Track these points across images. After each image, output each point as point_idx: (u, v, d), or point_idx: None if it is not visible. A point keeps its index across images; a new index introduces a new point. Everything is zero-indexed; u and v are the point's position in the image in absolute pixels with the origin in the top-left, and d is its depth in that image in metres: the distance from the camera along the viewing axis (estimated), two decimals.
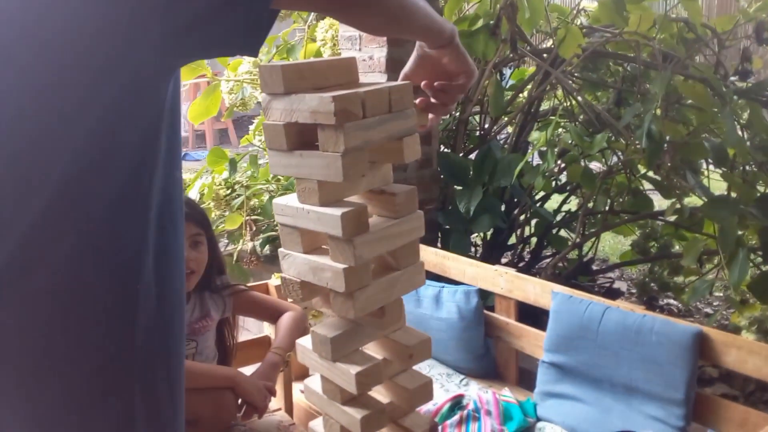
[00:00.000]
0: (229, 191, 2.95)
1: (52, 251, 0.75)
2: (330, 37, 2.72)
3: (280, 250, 1.14)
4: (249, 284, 2.22)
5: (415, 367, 1.23)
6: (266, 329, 2.15)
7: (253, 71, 2.96)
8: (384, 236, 1.07)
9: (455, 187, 2.83)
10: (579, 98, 2.78)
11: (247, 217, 2.88)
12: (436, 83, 1.10)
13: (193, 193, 2.97)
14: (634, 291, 3.36)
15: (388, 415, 1.18)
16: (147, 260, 0.81)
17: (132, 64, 0.75)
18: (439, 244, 2.80)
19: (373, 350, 1.20)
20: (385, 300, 1.10)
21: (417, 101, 1.12)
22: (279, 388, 1.98)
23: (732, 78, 2.54)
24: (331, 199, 1.05)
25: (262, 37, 0.80)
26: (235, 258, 2.84)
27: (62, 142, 0.74)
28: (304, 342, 1.18)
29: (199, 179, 2.98)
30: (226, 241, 3.17)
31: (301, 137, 1.06)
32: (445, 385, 2.19)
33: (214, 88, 2.73)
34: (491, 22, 2.44)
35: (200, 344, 1.76)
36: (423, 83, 1.11)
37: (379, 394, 1.21)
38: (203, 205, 2.93)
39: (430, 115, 1.14)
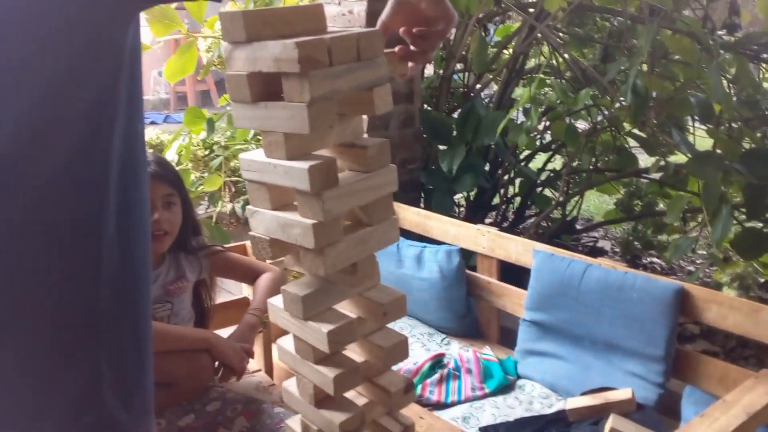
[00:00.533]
0: (207, 152, 2.89)
1: (7, 206, 0.71)
2: None
3: (248, 207, 1.10)
4: (227, 245, 2.18)
5: (396, 327, 1.21)
6: (245, 290, 2.12)
7: None
8: (354, 190, 1.03)
9: (438, 146, 2.79)
10: (565, 54, 2.72)
11: (227, 179, 2.83)
12: (414, 29, 1.05)
13: (170, 155, 2.91)
14: (617, 250, 3.35)
15: (362, 374, 1.15)
16: (109, 216, 0.77)
17: (89, 9, 0.70)
18: (422, 204, 2.77)
19: (347, 308, 1.17)
20: (357, 256, 1.07)
21: (396, 49, 1.07)
22: (258, 349, 1.96)
23: (719, 32, 2.49)
24: (299, 153, 1.01)
25: None
26: (214, 220, 2.80)
27: (17, 92, 0.70)
28: (276, 301, 1.15)
29: (176, 140, 2.91)
30: (207, 202, 3.12)
31: (266, 88, 1.01)
32: (426, 344, 2.18)
33: (189, 46, 2.64)
34: None
35: (176, 306, 1.73)
36: (401, 30, 1.06)
37: (354, 352, 1.18)
38: (180, 167, 2.87)
39: (410, 64, 1.10)
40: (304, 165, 0.97)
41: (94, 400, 0.78)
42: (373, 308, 1.13)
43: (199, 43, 2.84)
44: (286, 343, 1.19)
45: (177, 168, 2.88)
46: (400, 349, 1.16)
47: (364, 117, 1.13)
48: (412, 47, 1.07)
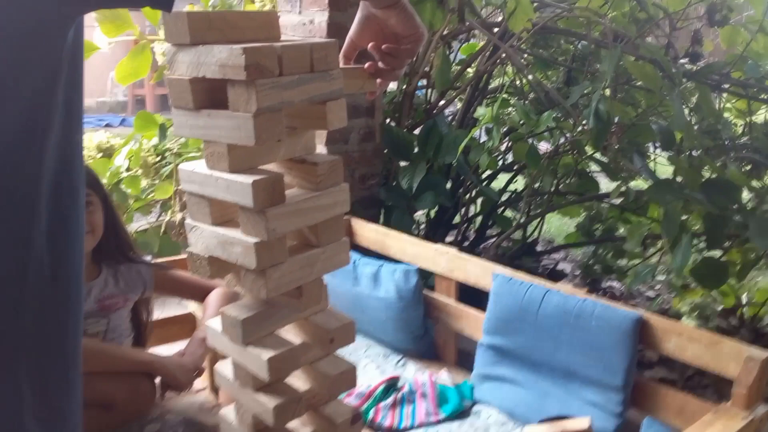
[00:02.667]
0: (158, 159, 2.78)
1: None
2: None
3: (187, 221, 1.03)
4: (171, 258, 2.08)
5: (351, 347, 1.14)
6: (190, 306, 2.02)
7: None
8: (302, 209, 0.97)
9: (399, 162, 2.74)
10: (529, 76, 2.70)
11: (177, 187, 2.72)
12: (383, 46, 1.00)
13: (119, 160, 2.79)
14: (578, 273, 3.34)
15: (306, 403, 1.08)
16: (39, 231, 0.70)
17: (26, 9, 0.63)
18: (381, 221, 2.71)
19: (291, 333, 1.10)
20: (303, 279, 1.00)
21: (366, 65, 1.02)
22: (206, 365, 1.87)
23: (682, 60, 2.50)
24: (243, 166, 0.94)
25: None
26: (163, 229, 2.69)
27: None
28: (214, 324, 1.07)
29: (127, 145, 2.80)
30: (158, 210, 3.00)
31: (210, 95, 0.94)
32: (382, 365, 2.11)
33: (142, 48, 2.54)
34: None
35: (113, 322, 1.63)
36: (370, 45, 1.02)
37: (298, 380, 1.11)
38: (130, 173, 2.76)
39: (378, 81, 1.05)
40: (248, 179, 0.90)
41: (12, 426, 0.71)
42: (319, 334, 1.07)
43: (156, 46, 2.75)
44: (225, 367, 1.11)
45: (126, 173, 2.78)
46: (348, 377, 1.10)
47: (318, 131, 1.06)
48: (380, 64, 1.02)
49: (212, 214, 0.98)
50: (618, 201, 2.55)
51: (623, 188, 2.28)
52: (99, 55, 2.75)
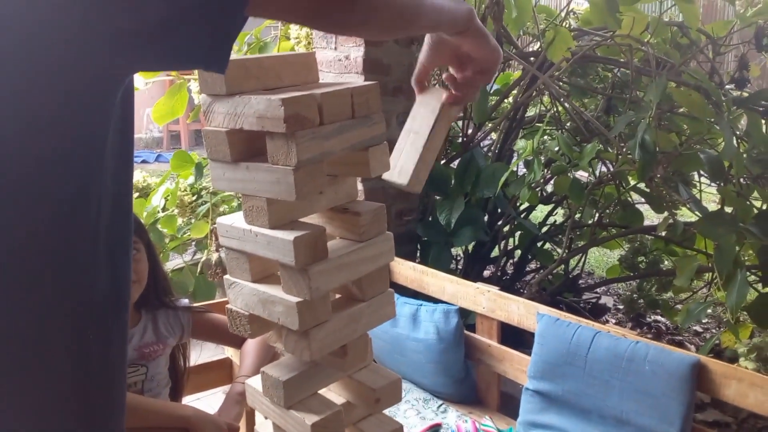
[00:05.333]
0: (194, 198, 2.77)
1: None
2: (304, 35, 2.56)
3: (226, 277, 0.98)
4: (210, 301, 2.05)
5: None
6: (227, 350, 1.98)
7: None
8: (346, 263, 0.91)
9: (436, 197, 2.68)
10: (567, 105, 2.64)
11: (213, 226, 2.70)
12: (458, 77, 0.96)
13: (156, 199, 2.79)
14: (620, 307, 3.23)
15: None
16: (97, 290, 0.69)
17: (76, 71, 0.61)
18: (418, 257, 2.65)
19: (335, 391, 1.04)
20: (348, 337, 0.94)
21: (444, 97, 0.98)
22: (242, 419, 1.81)
23: (728, 86, 2.41)
24: (283, 220, 0.89)
25: (227, 52, 0.65)
26: (199, 269, 2.67)
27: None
28: (254, 383, 1.02)
29: (163, 184, 2.80)
30: (194, 249, 2.99)
31: (249, 146, 0.90)
32: (422, 411, 2.04)
33: (179, 88, 2.55)
34: None
35: (151, 370, 1.59)
36: (444, 76, 0.98)
37: None
38: (167, 212, 2.75)
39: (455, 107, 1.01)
40: (289, 236, 0.85)
41: None
42: (364, 393, 1.01)
43: (191, 85, 2.76)
44: (265, 429, 1.05)
45: (162, 213, 2.77)
46: None
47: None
48: (454, 92, 0.97)
49: (252, 271, 0.94)
50: (664, 233, 2.45)
51: (671, 221, 2.19)
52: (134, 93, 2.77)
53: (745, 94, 2.35)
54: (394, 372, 1.04)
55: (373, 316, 0.98)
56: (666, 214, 2.30)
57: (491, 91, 3.06)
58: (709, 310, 3.03)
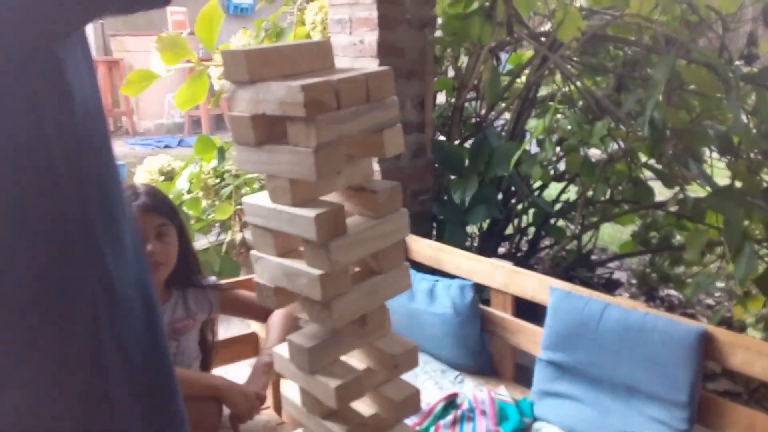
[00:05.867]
0: (218, 180, 2.86)
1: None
2: (320, 20, 2.62)
3: (252, 252, 1.06)
4: (235, 279, 2.13)
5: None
6: (253, 326, 2.07)
7: None
8: (364, 239, 0.98)
9: (450, 176, 2.74)
10: (578, 84, 2.68)
11: (237, 207, 2.79)
12: None
13: (181, 182, 2.88)
14: (634, 282, 3.28)
15: (372, 428, 1.09)
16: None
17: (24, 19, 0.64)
18: (434, 236, 2.72)
19: (356, 358, 1.11)
20: (367, 307, 1.02)
21: None
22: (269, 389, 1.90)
23: (737, 62, 2.44)
24: (305, 198, 0.96)
25: None
26: (224, 249, 2.76)
27: None
28: (281, 350, 1.10)
29: (187, 168, 2.89)
30: (219, 230, 3.08)
31: (271, 129, 0.96)
32: (439, 382, 2.12)
33: (200, 74, 2.62)
34: (486, 3, 2.33)
35: (182, 344, 1.68)
36: None
37: (363, 404, 1.13)
38: (191, 195, 2.84)
39: None
40: (311, 213, 0.92)
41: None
42: (383, 359, 1.08)
43: (211, 71, 2.83)
44: (292, 392, 1.13)
45: (188, 196, 2.86)
46: (412, 401, 1.11)
47: None
48: None
49: (276, 246, 1.01)
50: (674, 208, 2.50)
51: (680, 196, 2.24)
52: None
53: (755, 70, 2.38)
54: (410, 340, 1.11)
55: (390, 287, 1.05)
56: (677, 189, 2.34)
57: (504, 72, 3.11)
58: (722, 284, 3.08)
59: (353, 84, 0.93)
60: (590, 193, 2.79)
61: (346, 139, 0.93)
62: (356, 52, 2.38)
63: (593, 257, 3.31)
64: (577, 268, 2.96)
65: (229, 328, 1.96)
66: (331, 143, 0.90)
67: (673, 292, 3.22)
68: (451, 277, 2.21)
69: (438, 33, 2.62)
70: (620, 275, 3.44)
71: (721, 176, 2.60)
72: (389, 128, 0.99)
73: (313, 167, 0.89)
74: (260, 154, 0.96)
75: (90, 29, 8.21)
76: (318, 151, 0.89)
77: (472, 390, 2.04)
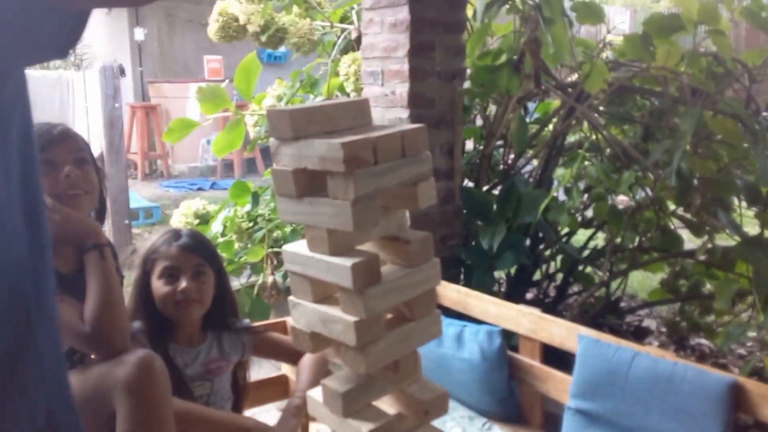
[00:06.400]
0: (251, 224, 2.94)
1: None
2: (353, 72, 2.71)
3: (290, 298, 1.11)
4: (268, 321, 2.18)
5: None
6: (283, 368, 2.10)
7: (277, 105, 2.97)
8: (397, 287, 1.03)
9: (478, 222, 2.78)
10: (605, 132, 2.72)
11: (269, 250, 2.86)
12: None
13: (216, 226, 2.96)
14: (663, 330, 3.25)
15: None
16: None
17: None
18: (462, 281, 2.75)
19: (387, 403, 1.15)
20: (399, 353, 1.06)
21: None
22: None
23: (764, 113, 2.46)
24: (342, 248, 1.01)
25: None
26: (255, 291, 2.82)
27: None
28: (315, 394, 1.14)
29: (221, 212, 2.97)
30: (249, 272, 3.15)
31: (311, 182, 1.02)
32: (467, 429, 2.12)
33: (237, 123, 2.73)
34: (514, 57, 2.40)
35: (215, 385, 1.73)
36: None
37: None
38: (225, 238, 2.92)
39: None
40: (347, 262, 0.97)
41: None
42: (414, 405, 1.11)
43: (247, 119, 2.94)
44: None
45: (222, 239, 2.94)
46: None
47: None
48: None
49: (314, 293, 1.06)
50: (703, 257, 2.50)
51: (709, 245, 2.25)
52: None
53: None
54: (442, 386, 1.14)
55: (422, 334, 1.09)
56: (705, 238, 2.35)
57: (532, 120, 3.17)
58: (753, 333, 3.04)
59: (390, 140, 0.99)
60: (618, 240, 2.81)
61: (382, 192, 0.99)
62: (388, 102, 2.46)
63: (622, 304, 3.30)
64: (605, 315, 2.96)
65: (259, 370, 2.00)
66: (368, 196, 0.96)
67: (704, 340, 3.19)
68: (479, 322, 2.24)
69: (467, 83, 2.70)
70: (649, 323, 3.42)
71: (752, 224, 2.60)
72: (423, 181, 1.04)
73: (351, 219, 0.94)
74: (301, 206, 1.02)
75: (129, 75, 8.51)
76: (356, 203, 0.94)
77: None
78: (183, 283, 1.62)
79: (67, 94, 4.99)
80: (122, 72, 4.64)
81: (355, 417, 1.06)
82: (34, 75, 4.97)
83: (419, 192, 1.04)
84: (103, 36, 9.18)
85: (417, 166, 1.03)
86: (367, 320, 0.99)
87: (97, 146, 4.51)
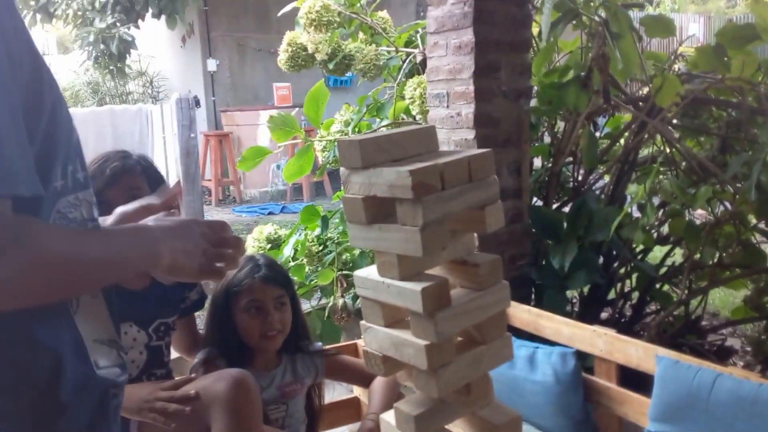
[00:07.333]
0: (321, 247, 2.99)
1: None
2: (418, 95, 2.74)
3: (362, 323, 1.13)
4: (338, 344, 2.21)
5: None
6: (355, 390, 2.13)
7: (345, 130, 3.03)
8: (467, 310, 1.04)
9: (548, 241, 2.74)
10: (679, 146, 2.65)
11: (338, 273, 2.90)
12: None
13: (287, 250, 3.03)
14: (748, 349, 3.11)
15: None
16: None
17: None
18: (533, 301, 2.71)
19: (459, 427, 1.15)
20: (471, 377, 1.06)
21: None
22: None
23: None
24: (412, 273, 1.03)
25: None
26: (326, 314, 2.86)
27: None
28: (389, 417, 1.15)
29: (293, 236, 3.04)
30: (320, 295, 3.20)
31: (381, 209, 1.05)
32: None
33: (307, 149, 2.80)
34: (582, 73, 2.38)
35: (290, 407, 1.76)
36: None
37: None
38: (296, 262, 2.98)
39: None
40: (417, 287, 0.99)
41: None
42: (486, 429, 1.11)
43: (315, 144, 3.01)
44: None
45: (293, 263, 3.01)
46: None
47: None
48: None
49: (384, 317, 1.08)
50: None
51: None
52: None
53: None
54: (514, 410, 1.14)
55: (493, 357, 1.09)
56: None
57: (602, 135, 3.11)
58: None
59: (457, 166, 1.00)
60: (697, 256, 2.72)
61: (450, 217, 1.00)
62: (453, 124, 2.48)
63: (703, 323, 3.18)
64: (685, 334, 2.85)
65: (333, 393, 2.03)
66: (436, 221, 0.97)
67: None
68: (552, 343, 2.20)
69: (534, 101, 2.68)
70: (733, 342, 3.27)
71: None
72: (490, 205, 1.05)
73: (420, 244, 0.96)
74: (371, 232, 1.04)
75: (203, 104, 8.83)
76: (424, 229, 0.96)
77: None
78: (273, 317, 1.68)
79: (146, 126, 5.23)
80: (197, 103, 4.84)
81: None
82: (115, 109, 5.25)
83: (487, 215, 1.05)
84: (178, 68, 9.58)
85: (484, 190, 1.04)
86: (437, 344, 1.00)
87: (174, 175, 4.69)
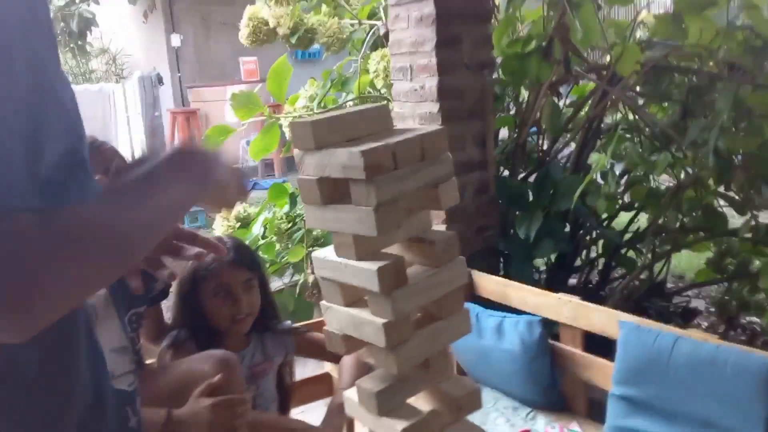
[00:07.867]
0: (290, 225, 2.99)
1: None
2: (382, 69, 2.73)
3: (322, 303, 1.14)
4: (311, 321, 2.23)
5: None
6: (326, 366, 2.15)
7: (310, 105, 3.01)
8: (424, 287, 1.05)
9: (515, 212, 2.77)
10: (641, 113, 2.68)
11: (309, 249, 2.90)
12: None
13: (256, 228, 3.02)
14: (712, 309, 3.19)
15: None
16: None
17: None
18: (501, 271, 2.74)
19: (421, 401, 1.17)
20: (430, 352, 1.08)
21: None
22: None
23: None
24: (368, 252, 1.04)
25: None
26: (297, 291, 2.87)
27: None
28: (351, 395, 1.17)
29: (261, 214, 3.03)
30: (292, 272, 3.21)
31: (335, 190, 1.05)
32: (511, 419, 2.13)
33: (271, 126, 2.78)
34: (543, 43, 2.38)
35: (261, 387, 1.78)
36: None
37: None
38: (266, 240, 2.97)
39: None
40: (373, 266, 1.00)
41: None
42: (447, 401, 1.13)
43: (281, 121, 2.98)
44: None
45: (263, 241, 3.00)
46: None
47: None
48: None
49: (344, 297, 1.09)
50: (748, 235, 2.45)
51: (753, 222, 2.20)
52: None
53: None
54: (474, 382, 1.16)
55: (451, 332, 1.11)
56: (749, 215, 2.30)
57: (568, 103, 3.13)
58: None
59: (409, 145, 1.01)
60: (661, 221, 2.76)
61: (405, 196, 1.01)
62: (417, 97, 2.47)
63: (670, 285, 3.25)
64: (651, 298, 2.92)
65: (304, 369, 2.05)
66: (390, 201, 0.98)
67: (755, 318, 3.12)
68: (519, 312, 2.24)
69: (497, 73, 2.68)
70: (698, 303, 3.36)
71: None
72: (444, 182, 1.06)
73: (374, 224, 0.97)
74: (326, 213, 1.05)
75: (168, 81, 8.68)
76: (378, 208, 0.97)
77: (545, 427, 2.05)
78: (242, 301, 1.68)
79: (109, 106, 5.13)
80: (160, 81, 4.76)
81: (390, 415, 1.08)
82: (76, 89, 5.14)
83: (441, 193, 1.05)
84: (141, 44, 9.39)
85: (437, 167, 1.05)
86: (395, 321, 1.01)
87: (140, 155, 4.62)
